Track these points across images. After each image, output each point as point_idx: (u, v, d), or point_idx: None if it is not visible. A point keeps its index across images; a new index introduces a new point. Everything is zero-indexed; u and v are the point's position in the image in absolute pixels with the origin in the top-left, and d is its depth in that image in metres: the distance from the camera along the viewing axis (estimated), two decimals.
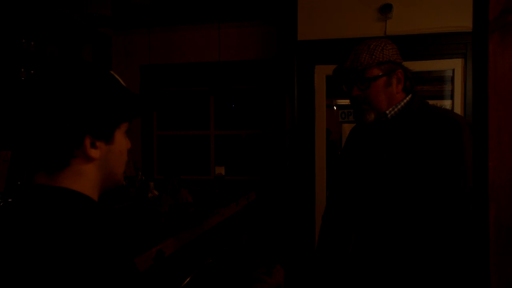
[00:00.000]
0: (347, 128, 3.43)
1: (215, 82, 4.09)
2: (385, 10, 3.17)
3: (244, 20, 3.91)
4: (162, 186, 3.07)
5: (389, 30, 3.18)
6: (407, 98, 1.43)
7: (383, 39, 1.44)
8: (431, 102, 1.49)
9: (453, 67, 3.22)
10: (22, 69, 3.12)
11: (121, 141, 0.83)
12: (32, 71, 3.12)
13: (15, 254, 0.66)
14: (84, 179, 0.77)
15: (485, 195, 0.65)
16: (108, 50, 4.24)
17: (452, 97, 3.23)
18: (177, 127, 4.41)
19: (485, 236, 0.66)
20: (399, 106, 1.41)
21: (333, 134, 4.20)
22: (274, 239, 3.55)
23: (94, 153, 0.77)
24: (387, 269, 1.32)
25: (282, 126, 3.56)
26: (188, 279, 1.75)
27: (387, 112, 1.41)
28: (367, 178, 1.42)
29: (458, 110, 3.15)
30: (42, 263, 0.64)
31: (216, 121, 4.27)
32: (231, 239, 2.76)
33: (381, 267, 1.33)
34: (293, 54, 3.40)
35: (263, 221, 3.66)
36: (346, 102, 3.69)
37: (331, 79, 3.44)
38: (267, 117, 3.99)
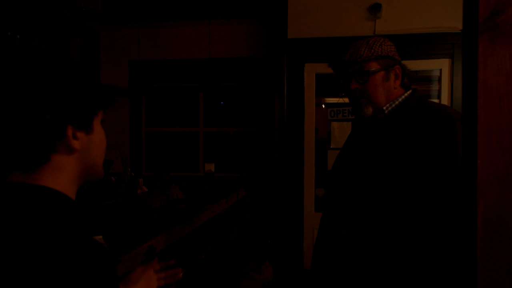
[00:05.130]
0: (336, 126, 3.46)
1: (204, 79, 4.08)
2: (375, 10, 3.20)
3: (234, 17, 3.91)
4: (152, 183, 3.06)
5: (378, 30, 3.21)
6: (406, 94, 1.45)
7: (381, 37, 1.47)
8: None
9: (440, 67, 3.27)
10: None
11: (100, 130, 0.81)
12: None
13: None
14: (64, 173, 0.74)
15: (473, 192, 0.67)
16: (97, 45, 4.20)
17: (439, 97, 3.28)
18: (165, 124, 4.39)
19: (473, 233, 0.67)
20: (396, 102, 1.43)
21: (320, 132, 4.23)
22: (262, 236, 3.56)
23: (76, 144, 0.74)
24: (374, 262, 1.34)
25: (271, 124, 3.58)
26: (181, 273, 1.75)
27: (384, 108, 1.43)
28: (360, 173, 1.44)
29: None
30: (16, 265, 0.61)
31: (205, 118, 4.26)
32: (221, 235, 2.77)
33: (369, 261, 1.35)
34: (283, 52, 3.41)
35: (252, 218, 3.67)
36: (335, 100, 3.72)
37: (321, 77, 3.46)
38: (256, 115, 4.00)
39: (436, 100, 3.28)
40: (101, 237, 1.48)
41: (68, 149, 0.74)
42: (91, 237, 0.72)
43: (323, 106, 4.68)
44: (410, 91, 1.47)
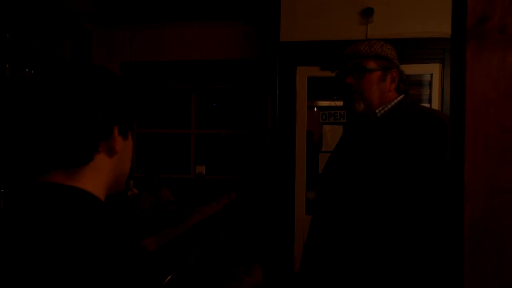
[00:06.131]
0: (327, 129, 3.47)
1: (196, 81, 4.07)
2: (367, 14, 3.22)
3: (227, 19, 3.91)
4: (142, 184, 3.05)
5: (370, 34, 3.23)
6: (399, 98, 1.47)
7: (383, 41, 1.49)
8: None
9: (431, 71, 3.30)
10: None
11: (131, 139, 0.83)
12: (8, 65, 3.05)
13: (28, 260, 0.62)
14: (101, 177, 0.75)
15: (460, 196, 0.68)
16: (89, 45, 4.18)
17: (430, 101, 3.31)
18: (157, 125, 4.38)
19: (460, 236, 0.68)
20: (389, 106, 1.45)
21: (315, 135, 4.25)
22: (253, 239, 3.56)
23: (118, 146, 0.75)
24: (365, 263, 1.35)
25: (263, 126, 3.58)
26: (169, 277, 1.74)
27: (377, 111, 1.44)
28: (352, 175, 1.45)
29: None
30: (56, 269, 0.60)
31: (197, 120, 4.25)
32: (211, 238, 2.77)
33: (360, 261, 1.36)
34: (276, 54, 3.42)
35: (243, 220, 3.67)
36: (326, 103, 3.73)
37: (313, 81, 3.47)
38: (248, 117, 4.01)
39: (427, 104, 3.31)
40: None
41: (110, 150, 0.75)
42: (136, 243, 0.72)
43: (315, 109, 4.70)
44: (403, 95, 1.49)
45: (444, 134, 1.31)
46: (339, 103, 3.38)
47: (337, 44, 3.19)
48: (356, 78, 1.44)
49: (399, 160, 1.34)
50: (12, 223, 0.67)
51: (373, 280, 1.33)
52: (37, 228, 0.64)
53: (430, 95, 3.31)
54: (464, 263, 0.67)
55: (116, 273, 0.63)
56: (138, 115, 0.88)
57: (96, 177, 0.74)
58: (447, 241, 0.74)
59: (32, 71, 3.22)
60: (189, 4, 3.81)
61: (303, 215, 3.43)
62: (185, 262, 2.07)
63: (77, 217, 0.67)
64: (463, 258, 0.67)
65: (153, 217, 2.06)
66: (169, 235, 1.85)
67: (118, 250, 0.66)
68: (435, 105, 3.26)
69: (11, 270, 0.62)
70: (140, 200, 2.16)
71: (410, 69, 3.27)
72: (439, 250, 1.25)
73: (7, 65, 3.04)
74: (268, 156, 3.45)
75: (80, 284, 0.60)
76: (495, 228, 0.67)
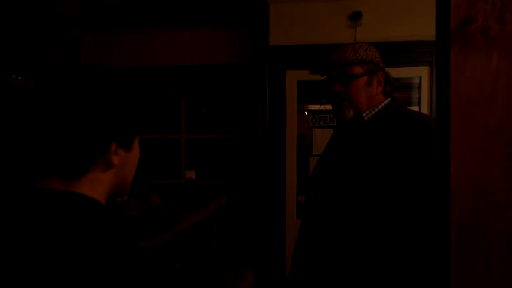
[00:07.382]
0: (318, 133, 3.47)
1: (186, 85, 4.06)
2: (355, 18, 3.23)
3: (216, 24, 3.91)
4: (131, 190, 3.02)
5: (359, 37, 3.25)
6: (386, 102, 1.47)
7: (367, 43, 1.49)
8: None
9: (420, 74, 3.31)
10: None
11: (137, 149, 0.84)
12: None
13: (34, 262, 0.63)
14: (99, 186, 0.76)
15: (446, 199, 0.67)
16: (77, 51, 4.15)
17: (419, 104, 3.32)
18: (147, 131, 4.35)
19: (447, 240, 0.68)
20: (376, 109, 1.45)
21: (308, 139, 4.25)
22: (245, 243, 3.55)
23: (115, 160, 0.76)
24: (355, 268, 1.35)
25: (253, 131, 3.58)
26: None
27: (364, 115, 1.44)
28: (340, 179, 1.44)
29: None
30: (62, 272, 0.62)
31: (187, 125, 4.24)
32: (202, 243, 2.75)
33: (350, 266, 1.36)
34: (265, 59, 3.42)
35: (234, 225, 3.65)
36: (317, 107, 3.74)
37: (303, 84, 3.47)
38: (238, 122, 4.00)
39: (415, 107, 3.33)
40: None
41: (107, 164, 0.76)
42: (136, 243, 0.74)
43: (306, 113, 4.71)
44: (390, 99, 1.49)
45: (431, 139, 1.31)
46: (329, 107, 3.38)
47: (326, 48, 3.18)
48: (343, 85, 1.44)
49: (386, 164, 1.34)
50: (10, 226, 0.68)
51: (364, 284, 1.33)
52: (38, 230, 0.66)
53: (419, 98, 3.32)
54: (451, 267, 0.67)
55: (119, 273, 0.64)
56: (143, 128, 0.88)
57: (94, 185, 0.75)
58: (434, 245, 0.73)
59: (20, 77, 3.19)
60: (178, 9, 3.80)
61: (294, 219, 3.42)
62: (171, 269, 2.05)
63: (78, 218, 0.68)
64: (450, 262, 0.67)
65: (142, 223, 2.04)
66: (157, 242, 1.83)
67: (121, 250, 0.68)
68: (424, 108, 3.27)
69: (13, 272, 0.63)
70: (128, 206, 2.14)
71: (399, 72, 3.28)
72: (428, 253, 1.25)
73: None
74: (259, 160, 3.45)
75: (84, 283, 0.62)
76: (484, 230, 0.66)
